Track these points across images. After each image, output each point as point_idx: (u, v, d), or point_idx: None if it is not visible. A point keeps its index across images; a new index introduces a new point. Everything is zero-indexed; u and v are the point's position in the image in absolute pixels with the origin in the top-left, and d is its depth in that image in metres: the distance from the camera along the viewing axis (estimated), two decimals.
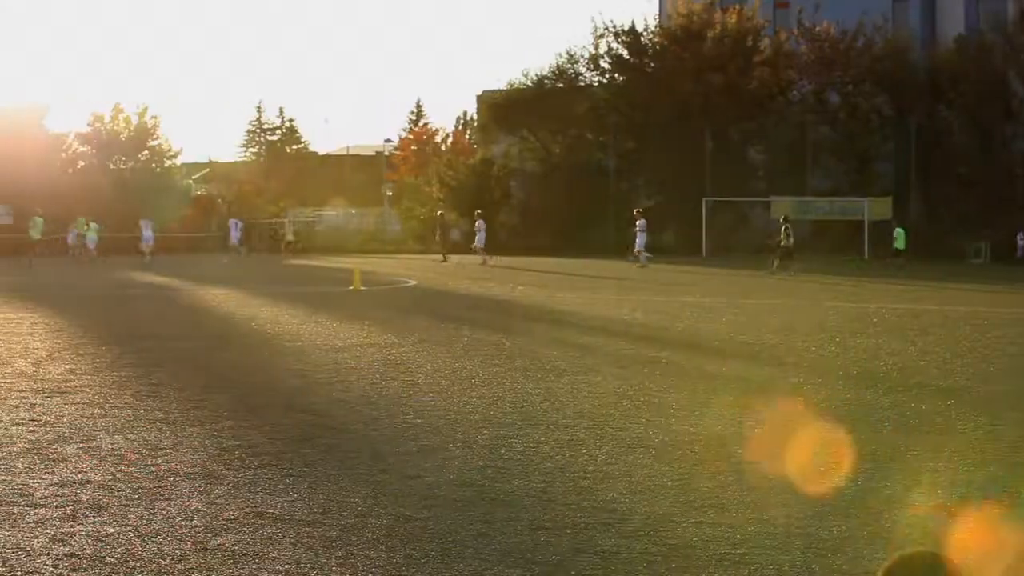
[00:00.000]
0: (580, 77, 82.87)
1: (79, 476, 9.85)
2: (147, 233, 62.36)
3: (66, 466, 10.26)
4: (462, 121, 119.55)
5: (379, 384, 15.69)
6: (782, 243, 48.16)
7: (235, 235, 66.56)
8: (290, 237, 69.64)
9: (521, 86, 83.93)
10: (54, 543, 7.84)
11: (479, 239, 60.09)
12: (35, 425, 12.30)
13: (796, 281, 41.53)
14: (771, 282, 41.50)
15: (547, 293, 35.08)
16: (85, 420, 12.65)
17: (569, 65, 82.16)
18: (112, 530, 8.19)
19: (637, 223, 54.42)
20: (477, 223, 61.18)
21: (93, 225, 64.82)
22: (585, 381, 16.12)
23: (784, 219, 49.26)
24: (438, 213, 69.42)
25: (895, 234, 54.81)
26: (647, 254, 53.54)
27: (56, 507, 8.78)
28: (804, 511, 8.85)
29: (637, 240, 54.16)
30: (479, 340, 21.28)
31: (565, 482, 10.01)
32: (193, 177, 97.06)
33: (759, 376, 16.90)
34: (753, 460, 10.76)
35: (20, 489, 9.34)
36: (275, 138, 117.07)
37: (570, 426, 12.67)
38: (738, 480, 9.99)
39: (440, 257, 60.78)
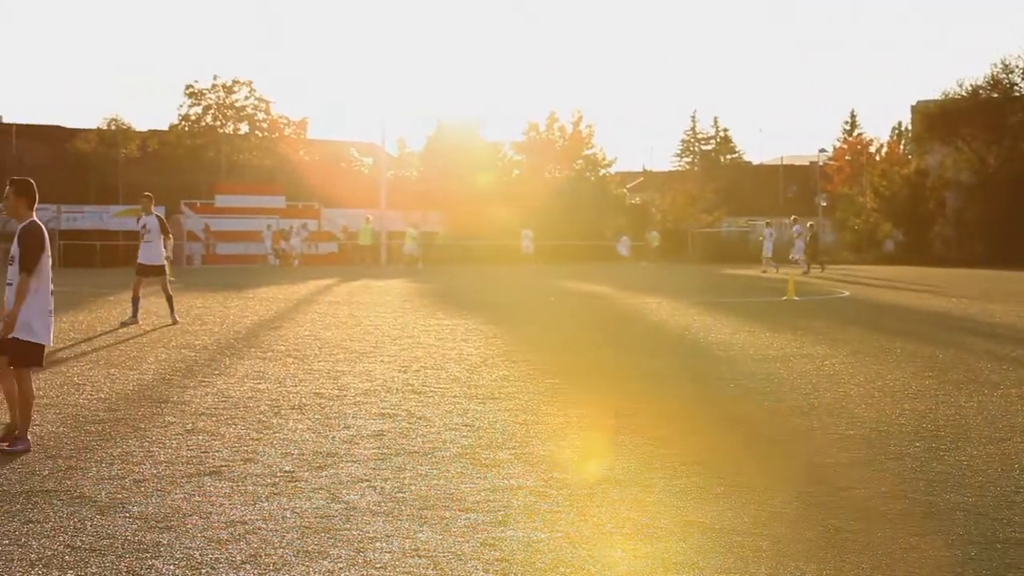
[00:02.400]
0: (1015, 87, 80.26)
1: (511, 482, 9.97)
2: (525, 243, 63.53)
3: (498, 471, 10.40)
4: (896, 131, 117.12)
5: (811, 395, 15.39)
6: None
7: (799, 247, 66.35)
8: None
9: (956, 96, 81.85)
10: (484, 547, 7.92)
11: (798, 248, 59.31)
12: (468, 430, 12.55)
13: None
14: None
15: (980, 306, 33.79)
16: (518, 426, 12.83)
17: (1004, 75, 79.70)
18: (543, 536, 8.22)
19: None
20: (795, 228, 60.40)
21: (411, 232, 66.84)
22: (1020, 395, 15.46)
23: None
24: (808, 224, 68.29)
25: None
26: None
27: (488, 512, 8.88)
28: None
29: None
30: (912, 352, 20.64)
31: (997, 496, 9.62)
32: (627, 186, 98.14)
33: None
34: None
35: (452, 494, 9.49)
36: (709, 148, 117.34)
37: (1003, 440, 12.21)
38: None
39: (809, 267, 60.31)
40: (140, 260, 26.05)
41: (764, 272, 58.81)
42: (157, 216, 26.55)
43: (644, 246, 77.24)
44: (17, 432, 11.44)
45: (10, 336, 11.30)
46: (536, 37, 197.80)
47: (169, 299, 25.96)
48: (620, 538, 8.15)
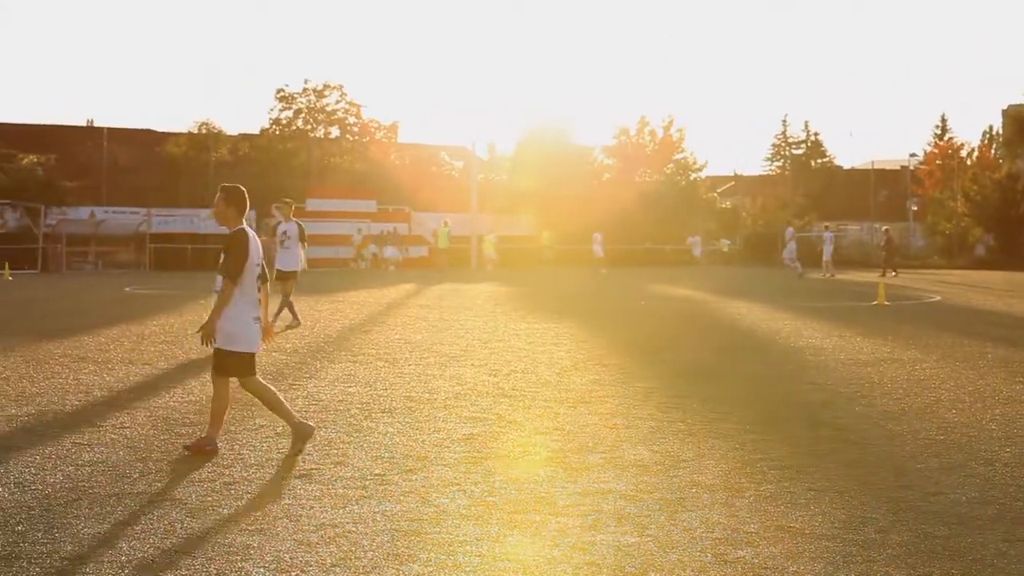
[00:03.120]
0: None
1: (602, 486, 9.98)
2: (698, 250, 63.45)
3: (589, 476, 10.41)
4: (988, 136, 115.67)
5: (902, 400, 15.28)
6: None
7: (791, 249, 66.29)
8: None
9: None
10: (575, 552, 7.93)
11: (827, 252, 59.75)
12: (558, 434, 12.57)
13: None
14: None
15: None
16: (608, 430, 12.83)
17: None
18: (633, 540, 8.23)
19: None
20: (826, 235, 60.78)
21: (489, 238, 66.85)
22: None
23: None
24: (883, 229, 67.79)
25: None
26: None
27: (578, 516, 8.89)
28: None
29: None
30: (1004, 357, 20.41)
31: None
32: (718, 190, 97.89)
33: None
34: None
35: (543, 497, 9.51)
36: (800, 152, 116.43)
37: None
38: None
39: (883, 272, 60.56)
40: (277, 266, 26.34)
41: (828, 276, 58.84)
42: (297, 223, 26.92)
43: (716, 251, 77.06)
44: (205, 434, 11.61)
45: (214, 346, 11.40)
46: (628, 41, 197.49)
47: (290, 305, 26.32)
48: (710, 543, 8.15)
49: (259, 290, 11.51)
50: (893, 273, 58.80)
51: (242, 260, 11.33)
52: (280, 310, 26.06)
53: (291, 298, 26.39)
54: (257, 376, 11.59)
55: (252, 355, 11.48)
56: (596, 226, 69.62)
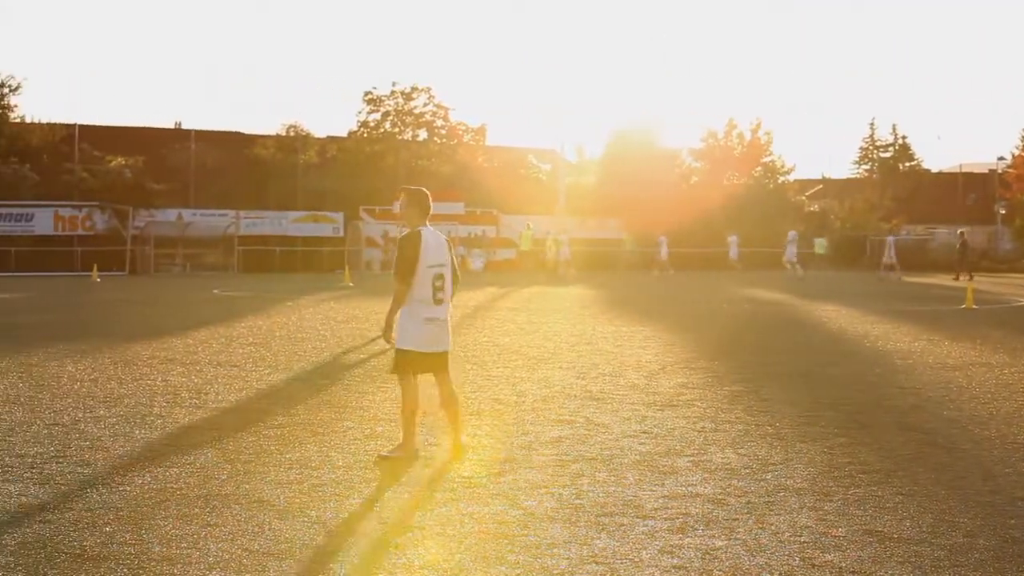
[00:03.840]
0: None
1: (689, 489, 9.99)
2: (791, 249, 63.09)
3: (676, 479, 10.43)
4: None
5: (990, 404, 15.16)
6: None
7: (791, 252, 65.55)
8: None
9: None
10: (662, 555, 7.96)
11: (887, 256, 60.16)
12: (646, 437, 12.58)
13: None
14: None
15: None
16: (696, 433, 12.83)
17: None
18: (720, 543, 8.24)
19: None
20: (888, 239, 61.15)
21: (563, 239, 66.52)
22: None
23: None
24: (959, 232, 67.12)
25: None
26: None
27: (665, 519, 8.91)
28: None
29: None
30: None
31: None
32: (806, 193, 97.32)
33: None
34: None
35: (631, 500, 9.54)
36: (887, 155, 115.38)
37: None
38: None
39: (956, 275, 60.46)
40: None
41: (898, 278, 58.76)
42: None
43: (810, 253, 76.51)
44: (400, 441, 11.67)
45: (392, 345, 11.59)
46: (715, 43, 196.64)
47: None
48: (798, 547, 8.14)
49: (439, 290, 11.53)
50: (968, 277, 58.31)
51: (409, 260, 11.42)
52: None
53: None
54: (414, 380, 11.59)
55: (417, 354, 11.47)
56: (678, 229, 69.56)
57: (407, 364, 11.50)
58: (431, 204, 11.76)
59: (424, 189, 11.87)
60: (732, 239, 71.69)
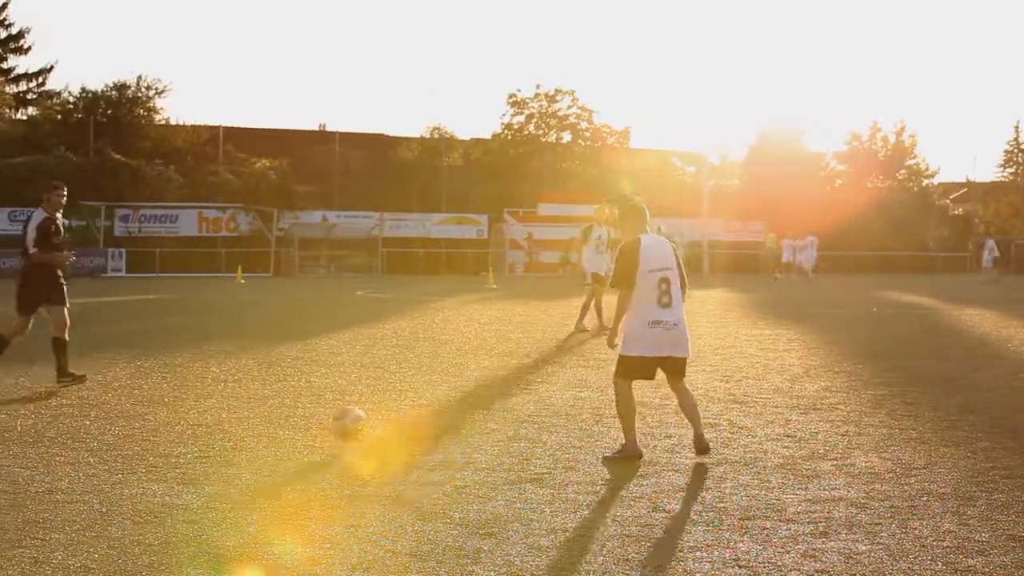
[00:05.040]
0: None
1: (832, 493, 9.95)
2: None
3: (819, 483, 10.39)
4: None
5: None
6: None
7: (988, 257, 64.91)
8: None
9: None
10: (805, 559, 7.95)
11: (986, 259, 60.29)
12: (790, 441, 12.55)
13: None
14: None
15: None
16: (839, 437, 12.77)
17: None
18: (863, 548, 8.22)
19: None
20: (987, 242, 60.37)
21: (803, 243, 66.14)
22: None
23: None
24: (980, 229, 65.76)
25: None
26: None
27: (808, 523, 8.90)
28: None
29: None
30: None
31: None
32: (950, 197, 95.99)
33: None
34: None
35: (773, 504, 9.53)
36: None
37: None
38: None
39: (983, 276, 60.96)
40: (594, 270, 27.20)
41: (995, 281, 58.17)
42: (608, 228, 27.50)
43: (971, 257, 75.42)
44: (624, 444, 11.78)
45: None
46: (857, 46, 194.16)
47: (590, 307, 27.08)
48: (940, 552, 8.09)
49: (664, 294, 11.57)
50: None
51: (626, 268, 11.58)
52: (584, 312, 26.99)
53: (595, 301, 26.84)
54: (628, 385, 11.71)
55: (637, 359, 11.59)
56: (825, 232, 69.08)
57: (627, 369, 11.66)
58: (647, 212, 11.99)
59: (638, 197, 12.12)
60: (988, 243, 68.96)
